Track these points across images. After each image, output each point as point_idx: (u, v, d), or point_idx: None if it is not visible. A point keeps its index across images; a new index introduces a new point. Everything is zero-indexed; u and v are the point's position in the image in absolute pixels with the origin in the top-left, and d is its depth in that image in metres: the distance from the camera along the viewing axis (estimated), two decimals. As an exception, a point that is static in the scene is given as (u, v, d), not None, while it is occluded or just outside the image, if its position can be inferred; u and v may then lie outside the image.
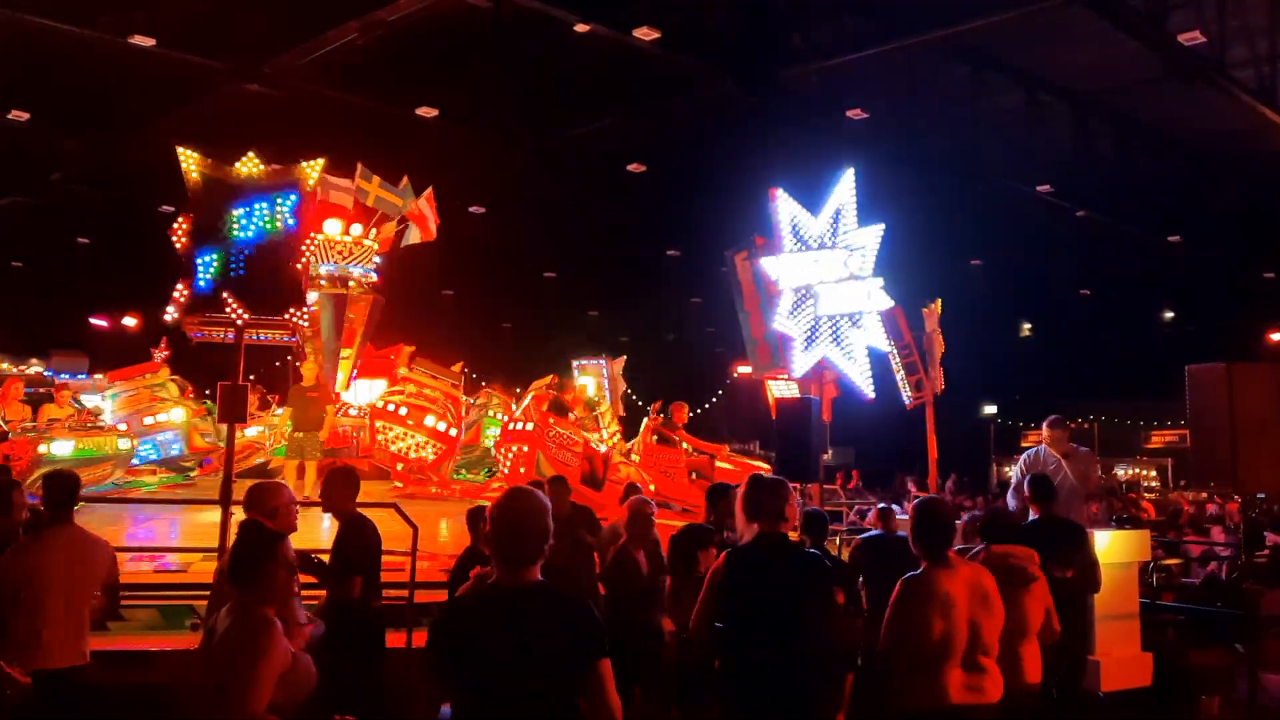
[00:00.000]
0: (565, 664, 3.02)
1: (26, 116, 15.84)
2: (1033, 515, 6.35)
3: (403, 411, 13.38)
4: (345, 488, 5.41)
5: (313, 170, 7.05)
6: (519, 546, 3.16)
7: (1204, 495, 17.83)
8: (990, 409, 32.93)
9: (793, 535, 4.70)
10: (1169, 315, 29.11)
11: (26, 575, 4.66)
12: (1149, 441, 31.67)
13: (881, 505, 8.55)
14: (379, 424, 13.33)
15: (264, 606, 3.52)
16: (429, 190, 14.31)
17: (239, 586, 3.57)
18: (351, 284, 13.80)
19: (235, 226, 6.76)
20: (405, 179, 14.02)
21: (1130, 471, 30.97)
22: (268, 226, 6.78)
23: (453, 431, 13.64)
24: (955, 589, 4.16)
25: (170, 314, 6.92)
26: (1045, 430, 8.10)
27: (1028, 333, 31.59)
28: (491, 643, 3.03)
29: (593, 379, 17.37)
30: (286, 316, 6.83)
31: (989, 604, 4.23)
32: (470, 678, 3.04)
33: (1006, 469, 31.64)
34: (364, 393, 14.26)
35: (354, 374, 14.00)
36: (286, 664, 3.43)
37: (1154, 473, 31.17)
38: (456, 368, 15.01)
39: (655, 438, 13.38)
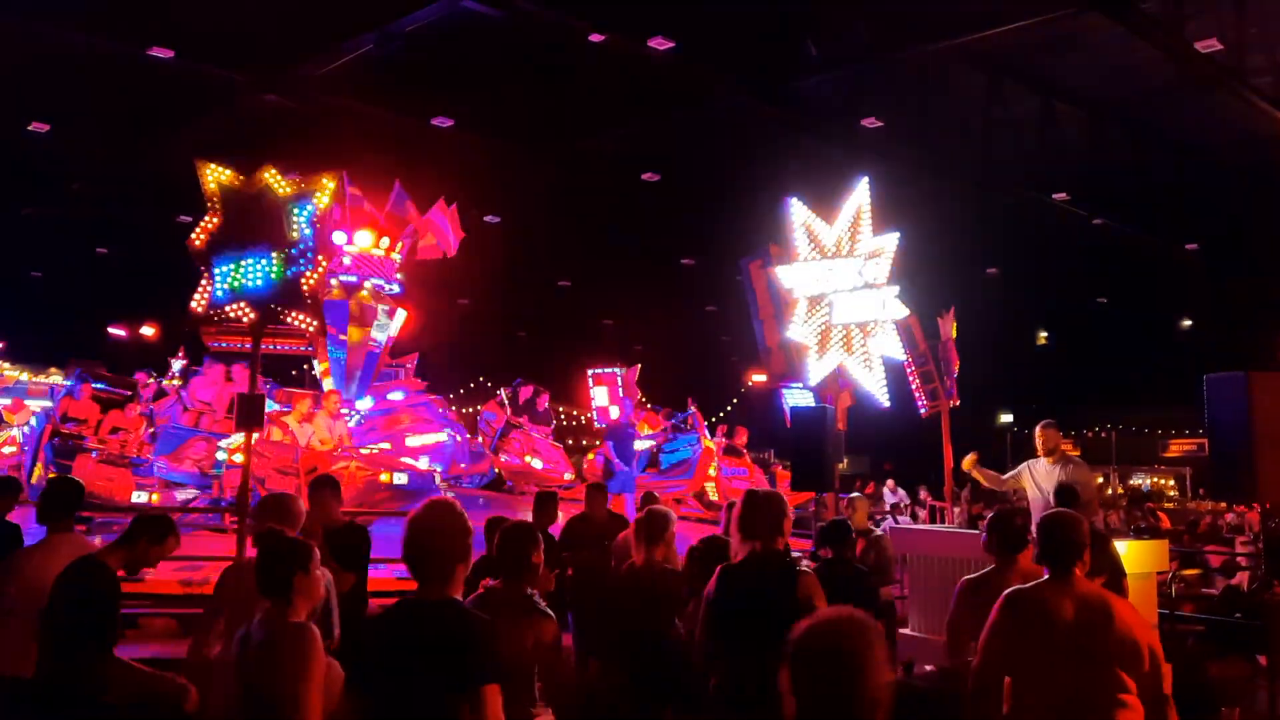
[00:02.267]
0: (449, 685, 2.96)
1: (47, 128, 15.98)
2: None
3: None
4: (335, 497, 5.90)
5: (329, 181, 7.08)
6: (419, 563, 3.13)
7: (1223, 505, 17.70)
8: (1007, 418, 32.79)
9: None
10: (1187, 323, 28.93)
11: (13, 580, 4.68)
12: (1167, 450, 31.48)
13: (593, 484, 8.70)
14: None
15: (298, 614, 3.54)
16: (440, 200, 14.34)
17: (270, 596, 3.57)
18: (363, 293, 13.87)
19: (253, 237, 6.80)
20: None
21: (1152, 480, 30.77)
22: (285, 237, 6.82)
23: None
24: (1066, 609, 3.70)
25: (189, 321, 6.97)
26: (1037, 432, 8.19)
27: (1044, 341, 31.45)
28: (388, 657, 3.02)
29: (607, 388, 17.39)
30: (303, 326, 6.86)
31: (1114, 631, 3.70)
32: (371, 691, 3.03)
33: (1022, 478, 31.41)
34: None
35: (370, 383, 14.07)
36: (325, 670, 3.44)
37: (1172, 482, 30.96)
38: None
39: None
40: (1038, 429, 8.19)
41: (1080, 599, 3.74)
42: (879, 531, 8.24)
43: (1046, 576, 3.87)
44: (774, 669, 4.04)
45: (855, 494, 9.56)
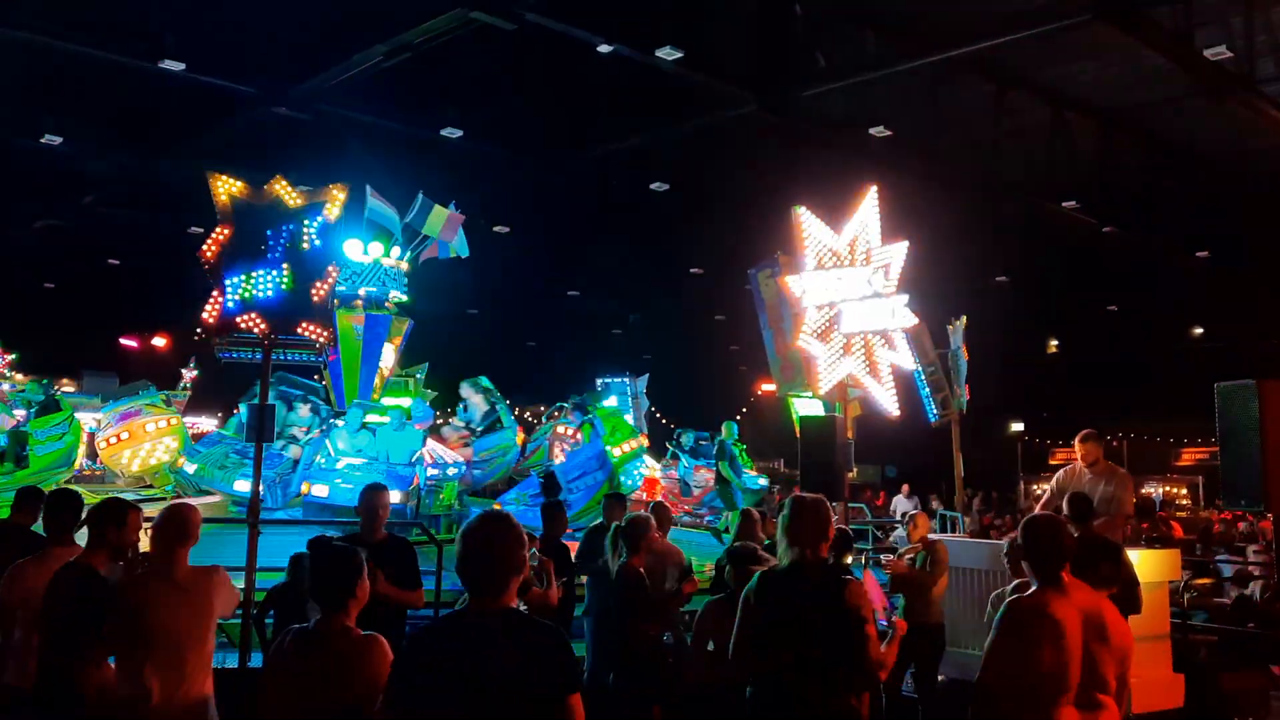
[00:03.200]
0: (530, 697, 2.87)
1: (59, 140, 16.10)
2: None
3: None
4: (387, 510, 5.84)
5: (340, 192, 7.11)
6: (483, 574, 3.05)
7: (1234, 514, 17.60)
8: (1017, 426, 32.68)
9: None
10: (1198, 331, 28.81)
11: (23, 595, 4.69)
12: (1179, 459, 31.31)
13: (610, 494, 8.67)
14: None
15: (353, 620, 3.59)
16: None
17: (331, 606, 3.59)
18: (360, 301, 13.93)
19: (263, 249, 6.84)
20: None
21: (1164, 489, 30.59)
22: (295, 248, 6.85)
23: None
24: (1068, 615, 3.77)
25: (199, 333, 7.00)
26: (1075, 445, 8.05)
27: (1054, 349, 31.35)
28: (452, 673, 2.90)
29: (617, 397, 17.43)
30: (313, 336, 6.89)
31: (1106, 634, 3.82)
32: (428, 710, 2.91)
33: (1035, 486, 31.32)
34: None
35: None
36: None
37: (1185, 491, 30.78)
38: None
39: None
40: (1077, 441, 8.00)
41: (1080, 606, 3.82)
42: (933, 536, 8.00)
43: (1038, 584, 3.90)
44: (818, 676, 4.01)
45: (916, 509, 9.44)
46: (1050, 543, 3.92)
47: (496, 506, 14.19)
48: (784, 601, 4.12)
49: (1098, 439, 8.03)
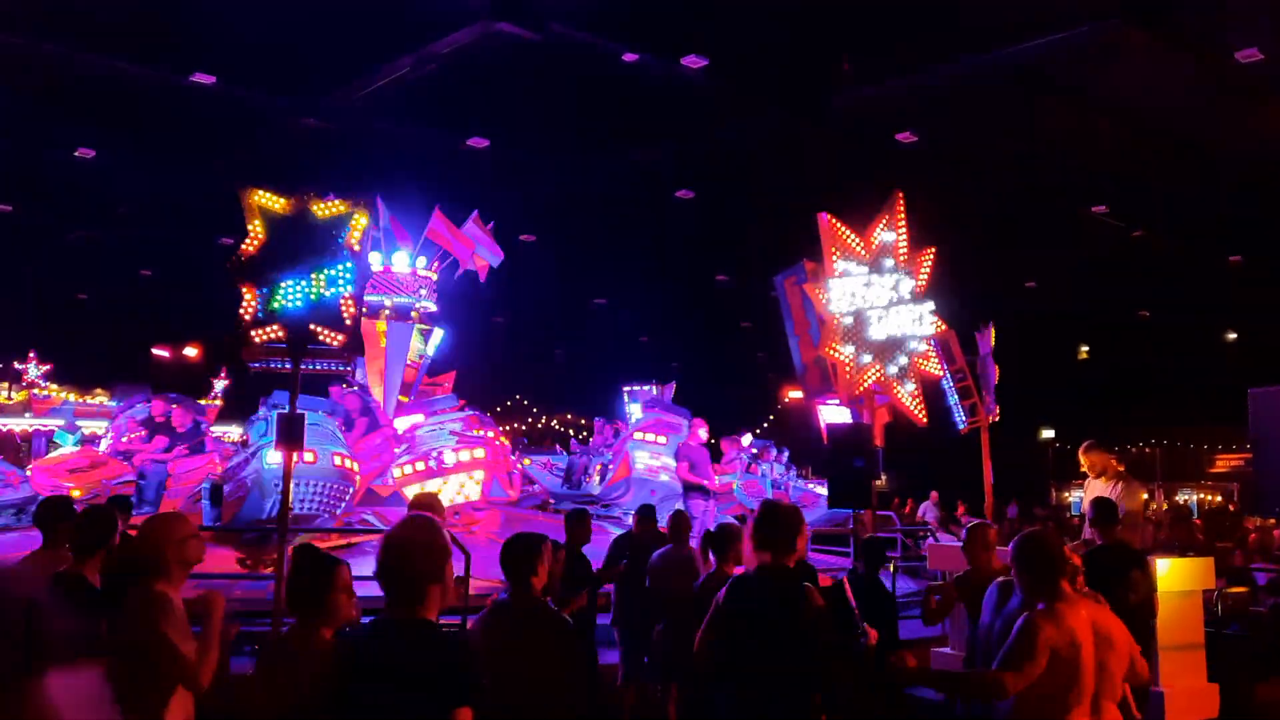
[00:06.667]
0: (420, 708, 2.92)
1: (93, 153, 16.34)
2: (1095, 539, 6.31)
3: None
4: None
5: (369, 204, 7.18)
6: (395, 580, 3.06)
7: (1271, 521, 17.34)
8: (1048, 433, 32.42)
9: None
10: (1231, 337, 28.46)
11: None
12: (1213, 466, 30.94)
13: (643, 504, 8.58)
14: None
15: (323, 631, 3.56)
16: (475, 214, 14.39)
17: (298, 612, 3.60)
18: (387, 311, 13.98)
19: (292, 259, 6.91)
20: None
21: (1199, 496, 30.24)
22: (324, 259, 6.92)
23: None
24: (1081, 626, 3.82)
25: (230, 343, 7.08)
26: (1080, 458, 8.02)
27: (1085, 356, 31.09)
28: (359, 680, 2.99)
29: (642, 405, 17.41)
30: (331, 343, 6.94)
31: (1114, 642, 3.89)
32: (349, 712, 3.00)
33: (1065, 494, 31.07)
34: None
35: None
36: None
37: (1219, 498, 30.41)
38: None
39: None
40: (1080, 453, 7.96)
41: (1092, 618, 3.89)
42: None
43: (1045, 598, 3.91)
44: (778, 680, 4.06)
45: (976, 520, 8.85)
46: (1046, 557, 3.96)
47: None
48: (750, 604, 4.25)
49: (1099, 447, 7.95)
